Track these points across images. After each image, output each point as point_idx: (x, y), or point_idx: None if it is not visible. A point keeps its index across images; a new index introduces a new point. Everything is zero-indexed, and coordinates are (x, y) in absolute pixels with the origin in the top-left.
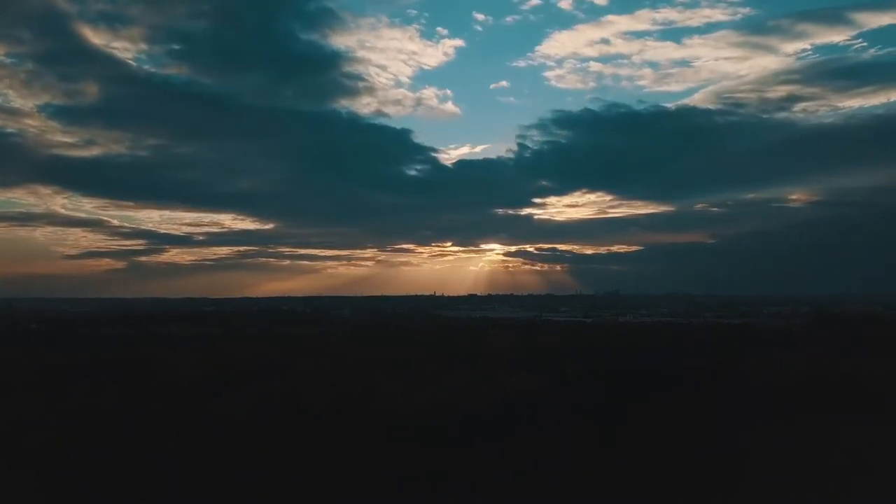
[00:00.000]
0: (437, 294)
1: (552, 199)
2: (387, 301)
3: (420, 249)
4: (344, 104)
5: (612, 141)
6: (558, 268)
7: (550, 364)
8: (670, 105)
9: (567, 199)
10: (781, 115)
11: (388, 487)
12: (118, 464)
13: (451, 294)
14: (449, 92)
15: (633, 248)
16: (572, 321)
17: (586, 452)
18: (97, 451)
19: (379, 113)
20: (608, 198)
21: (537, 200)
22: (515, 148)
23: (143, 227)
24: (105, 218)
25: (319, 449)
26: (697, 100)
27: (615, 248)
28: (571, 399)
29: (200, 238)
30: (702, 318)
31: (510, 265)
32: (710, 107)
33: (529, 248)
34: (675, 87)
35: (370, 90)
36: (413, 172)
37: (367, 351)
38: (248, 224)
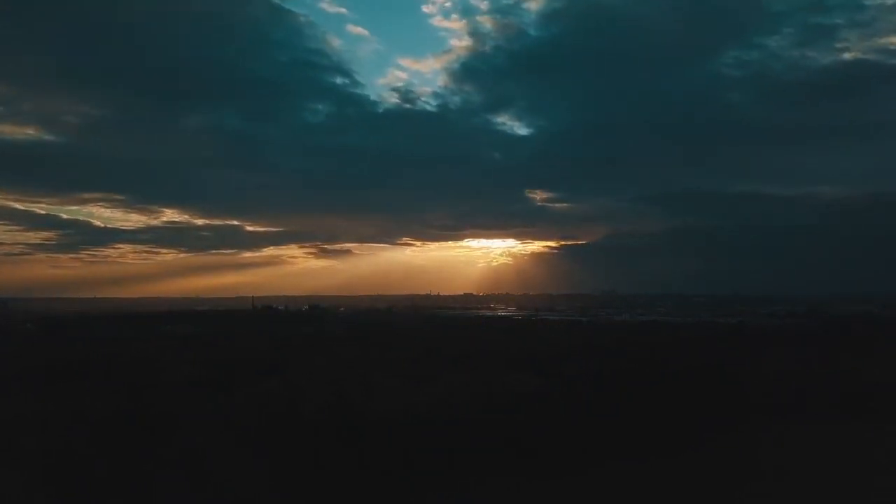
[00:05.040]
0: (432, 293)
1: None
2: (381, 300)
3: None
4: None
5: None
6: (556, 264)
7: (545, 363)
8: None
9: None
10: None
11: (385, 488)
12: (114, 464)
13: (447, 293)
14: None
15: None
16: (568, 320)
17: (581, 452)
18: (94, 451)
19: None
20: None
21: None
22: None
23: None
24: None
25: (315, 449)
26: None
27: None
28: (567, 399)
29: None
30: (698, 317)
31: (509, 262)
32: None
33: (529, 243)
34: None
35: None
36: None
37: (353, 351)
38: None
